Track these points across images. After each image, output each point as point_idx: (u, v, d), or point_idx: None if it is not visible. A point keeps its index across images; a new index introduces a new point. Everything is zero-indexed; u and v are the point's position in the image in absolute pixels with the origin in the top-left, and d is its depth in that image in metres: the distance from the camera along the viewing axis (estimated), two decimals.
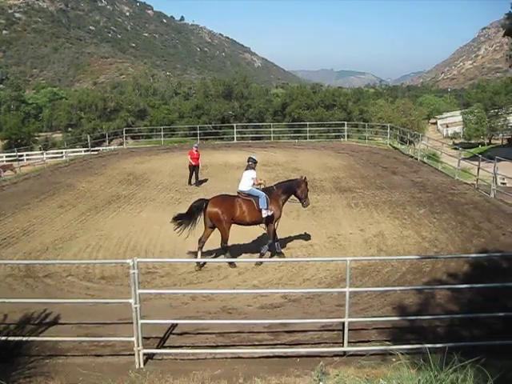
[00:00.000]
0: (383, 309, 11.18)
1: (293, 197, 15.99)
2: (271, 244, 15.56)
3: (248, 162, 16.04)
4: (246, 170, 15.74)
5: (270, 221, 15.33)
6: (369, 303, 11.67)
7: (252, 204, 15.09)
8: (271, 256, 15.73)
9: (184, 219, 14.92)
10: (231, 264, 14.84)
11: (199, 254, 15.08)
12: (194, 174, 26.54)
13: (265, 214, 15.09)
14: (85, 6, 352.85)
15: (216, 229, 15.18)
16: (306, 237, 17.20)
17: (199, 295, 12.64)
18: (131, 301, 8.17)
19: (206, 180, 26.95)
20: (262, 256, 15.31)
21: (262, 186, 15.81)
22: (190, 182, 26.31)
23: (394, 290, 12.00)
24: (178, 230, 14.94)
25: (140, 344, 8.27)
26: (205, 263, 15.00)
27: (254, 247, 16.59)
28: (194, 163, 26.41)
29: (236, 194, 15.65)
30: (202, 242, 15.12)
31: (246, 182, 15.45)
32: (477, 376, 6.34)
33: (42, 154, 43.47)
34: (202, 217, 15.02)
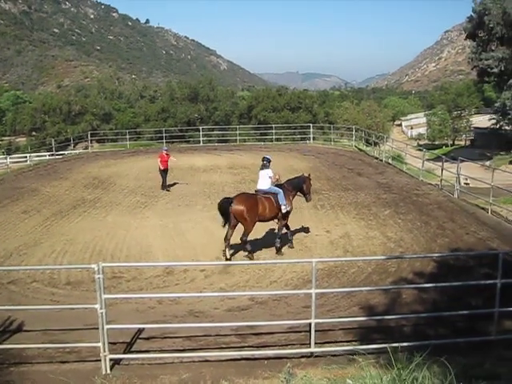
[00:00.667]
0: (350, 309, 11.29)
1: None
2: (281, 235, 16.36)
3: (263, 161, 16.55)
4: (262, 169, 16.36)
5: (286, 215, 16.20)
6: (335, 304, 11.76)
7: (271, 201, 15.73)
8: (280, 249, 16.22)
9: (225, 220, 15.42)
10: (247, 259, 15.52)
11: (227, 250, 15.44)
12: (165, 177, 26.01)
13: (284, 209, 15.85)
14: (48, 8, 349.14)
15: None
16: (273, 239, 17.21)
17: (166, 299, 12.59)
18: (97, 306, 8.12)
19: (173, 184, 26.65)
20: (279, 250, 16.11)
21: (277, 182, 16.41)
22: (166, 187, 25.80)
23: (361, 291, 12.12)
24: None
25: (106, 349, 8.22)
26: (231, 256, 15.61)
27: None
28: (163, 167, 25.96)
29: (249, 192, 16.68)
30: (227, 239, 15.47)
31: (265, 180, 16.11)
32: (440, 373, 6.43)
33: (6, 158, 42.68)
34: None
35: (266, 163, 16.40)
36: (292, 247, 16.47)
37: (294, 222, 18.80)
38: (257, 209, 15.38)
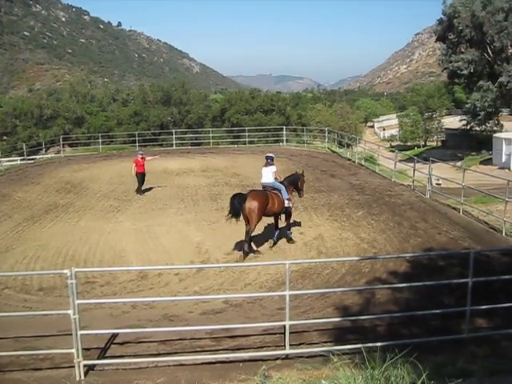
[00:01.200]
0: (324, 310, 11.35)
1: None
2: (289, 228, 17.65)
3: (267, 160, 17.56)
4: (266, 166, 17.39)
5: (290, 210, 17.40)
6: (310, 305, 11.82)
7: (279, 196, 16.77)
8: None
9: (232, 214, 15.77)
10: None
11: (246, 245, 16.04)
12: (141, 181, 25.60)
13: (287, 203, 16.96)
14: (19, 11, 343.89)
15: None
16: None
17: (140, 303, 12.56)
18: (70, 312, 8.06)
19: (148, 188, 26.28)
20: (289, 240, 17.29)
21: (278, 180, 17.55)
22: (141, 192, 25.42)
23: (334, 292, 12.18)
24: (228, 220, 15.95)
25: (80, 355, 8.17)
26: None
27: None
28: (139, 171, 25.51)
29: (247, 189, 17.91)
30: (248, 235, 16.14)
31: (269, 175, 17.22)
32: (413, 372, 6.50)
33: None
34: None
35: (269, 161, 17.47)
36: (271, 247, 16.91)
37: (267, 224, 18.87)
38: (267, 203, 16.18)
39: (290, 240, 17.25)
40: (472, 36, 54.40)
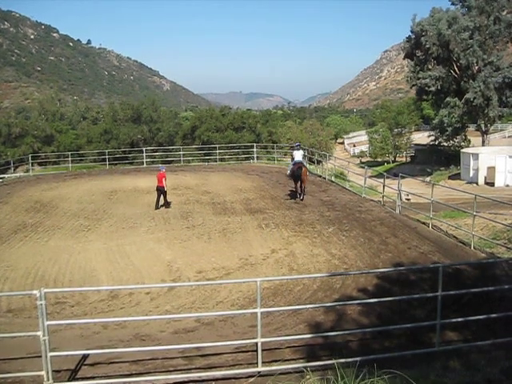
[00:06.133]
0: (296, 327, 11.36)
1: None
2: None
3: (298, 146, 27.40)
4: (297, 150, 26.42)
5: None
6: (282, 322, 11.82)
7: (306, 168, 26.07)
8: None
9: (295, 180, 25.77)
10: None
11: (299, 196, 25.98)
12: (162, 196, 25.67)
13: (309, 174, 26.59)
14: None
15: None
16: (218, 259, 17.21)
17: (111, 324, 12.41)
18: (39, 333, 7.97)
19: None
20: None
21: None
22: (162, 206, 25.59)
23: (306, 308, 12.20)
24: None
25: (50, 378, 8.08)
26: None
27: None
28: (160, 185, 25.53)
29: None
30: (297, 189, 25.94)
31: (300, 156, 26.15)
32: None
33: None
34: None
35: (298, 147, 26.95)
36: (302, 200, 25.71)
37: (238, 242, 18.88)
38: (306, 172, 25.59)
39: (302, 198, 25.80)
40: (439, 53, 55.58)
